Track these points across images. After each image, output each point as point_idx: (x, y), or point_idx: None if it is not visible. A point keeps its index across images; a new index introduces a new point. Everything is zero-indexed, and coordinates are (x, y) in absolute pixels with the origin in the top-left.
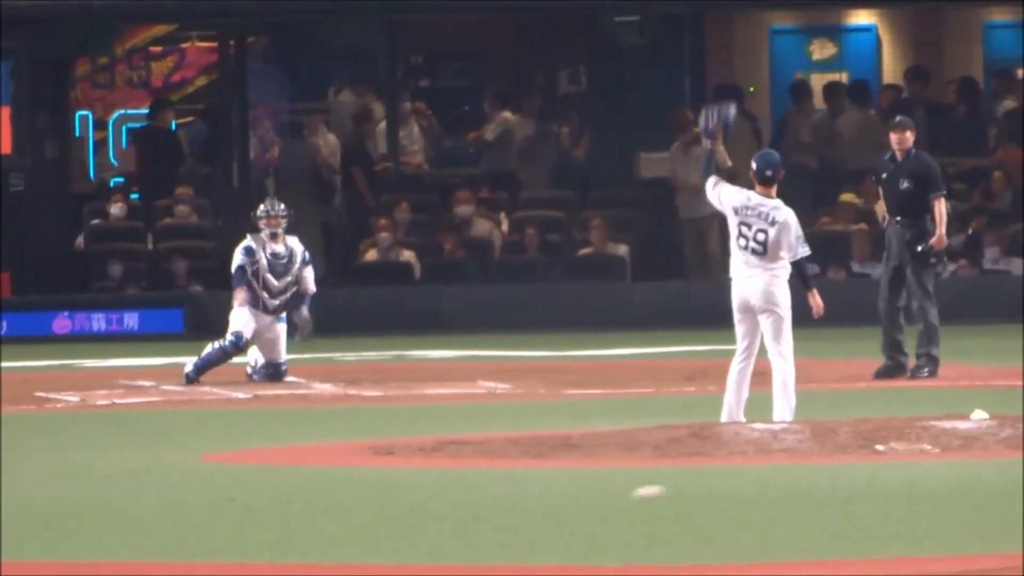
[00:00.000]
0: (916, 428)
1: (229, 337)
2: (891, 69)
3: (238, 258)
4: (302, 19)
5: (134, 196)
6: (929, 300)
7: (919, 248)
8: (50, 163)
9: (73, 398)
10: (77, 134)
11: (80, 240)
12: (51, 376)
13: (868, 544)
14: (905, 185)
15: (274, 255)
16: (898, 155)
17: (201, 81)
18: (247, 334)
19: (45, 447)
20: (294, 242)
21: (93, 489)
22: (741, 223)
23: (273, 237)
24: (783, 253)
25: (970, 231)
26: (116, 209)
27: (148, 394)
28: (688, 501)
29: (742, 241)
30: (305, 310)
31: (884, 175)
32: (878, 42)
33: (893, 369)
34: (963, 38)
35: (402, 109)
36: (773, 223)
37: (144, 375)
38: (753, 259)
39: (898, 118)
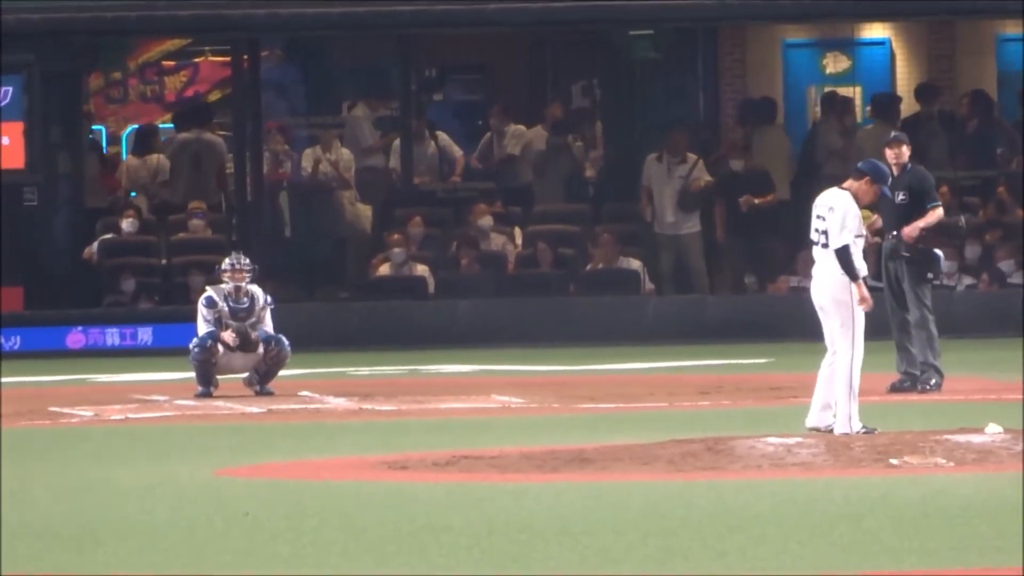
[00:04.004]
0: (930, 442)
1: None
2: (905, 83)
3: (200, 326)
4: (316, 33)
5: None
6: (927, 311)
7: (904, 253)
8: (63, 178)
9: (87, 413)
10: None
11: (88, 251)
12: (65, 391)
13: (882, 558)
14: (900, 198)
15: (235, 301)
16: (894, 170)
17: (214, 95)
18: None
19: (59, 462)
20: (256, 290)
21: (107, 503)
22: (816, 216)
23: (236, 290)
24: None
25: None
26: (128, 224)
27: (162, 409)
28: (702, 515)
29: (815, 235)
30: (248, 329)
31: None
32: (892, 56)
33: (907, 383)
34: (976, 51)
35: (419, 127)
36: (831, 210)
37: (158, 390)
38: (821, 253)
39: (893, 133)
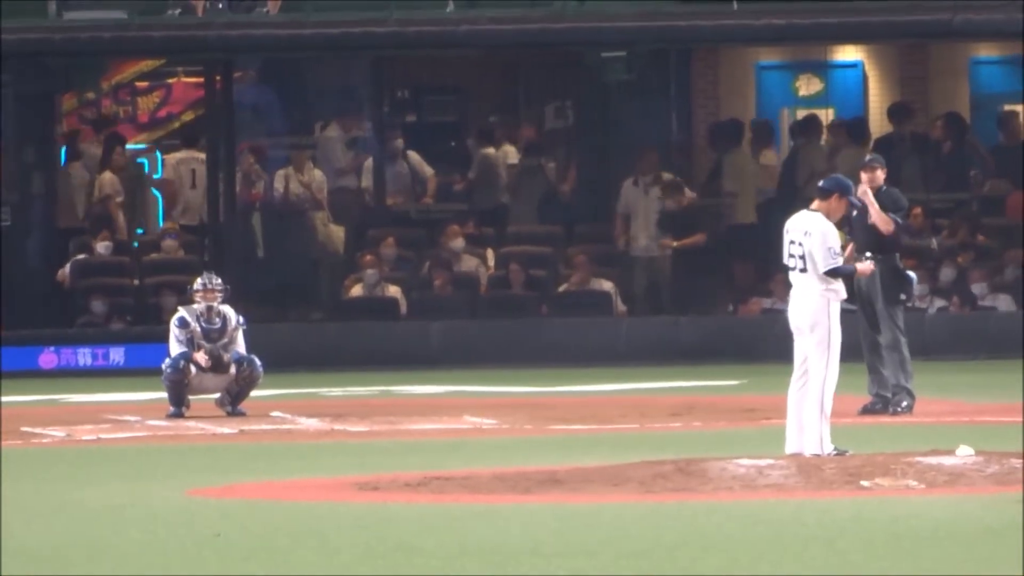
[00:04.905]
0: (902, 464)
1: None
2: (877, 105)
3: (173, 347)
4: (289, 54)
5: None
6: (900, 332)
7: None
8: (37, 198)
9: (59, 433)
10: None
11: (62, 273)
12: (37, 411)
13: None
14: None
15: (208, 322)
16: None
17: (187, 116)
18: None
19: (31, 482)
20: (228, 310)
21: (79, 524)
22: (790, 242)
23: (208, 310)
24: (815, 265)
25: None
26: (102, 248)
27: (134, 429)
28: (674, 537)
29: (791, 261)
30: (221, 351)
31: (854, 213)
32: (864, 78)
33: (879, 405)
34: (949, 74)
35: (393, 147)
36: (807, 233)
37: (130, 410)
38: (799, 278)
39: (868, 157)
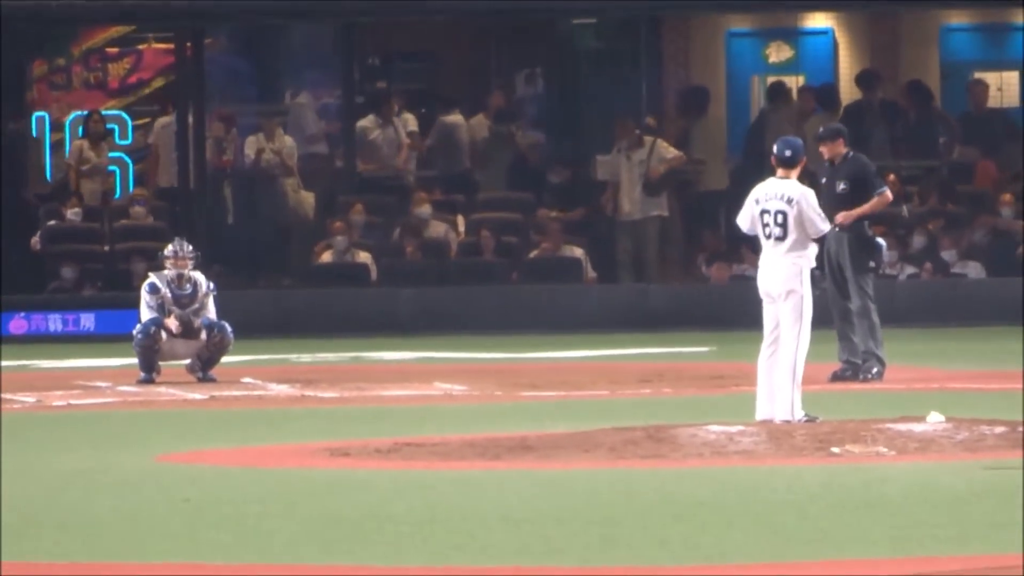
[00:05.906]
0: (872, 431)
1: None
2: (848, 72)
3: (144, 312)
4: (260, 21)
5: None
6: (869, 299)
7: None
8: (6, 165)
9: (29, 399)
10: (34, 134)
11: (36, 240)
12: (7, 377)
13: (824, 547)
14: (841, 187)
15: (178, 287)
16: (835, 162)
17: (158, 83)
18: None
19: (1, 448)
20: (198, 276)
21: (48, 490)
22: (763, 211)
23: (179, 277)
24: (808, 232)
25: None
26: (72, 215)
27: (104, 395)
28: (644, 503)
29: (766, 229)
30: (192, 317)
31: (823, 180)
32: (835, 45)
33: (849, 372)
34: (919, 41)
35: (388, 111)
36: (789, 201)
37: (100, 376)
38: (776, 246)
39: (821, 129)
